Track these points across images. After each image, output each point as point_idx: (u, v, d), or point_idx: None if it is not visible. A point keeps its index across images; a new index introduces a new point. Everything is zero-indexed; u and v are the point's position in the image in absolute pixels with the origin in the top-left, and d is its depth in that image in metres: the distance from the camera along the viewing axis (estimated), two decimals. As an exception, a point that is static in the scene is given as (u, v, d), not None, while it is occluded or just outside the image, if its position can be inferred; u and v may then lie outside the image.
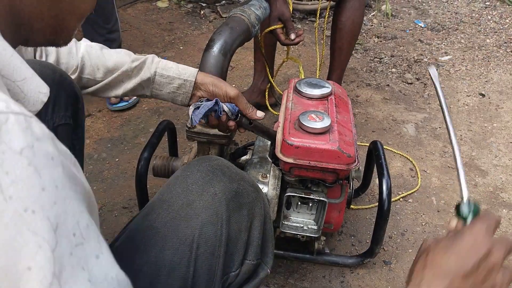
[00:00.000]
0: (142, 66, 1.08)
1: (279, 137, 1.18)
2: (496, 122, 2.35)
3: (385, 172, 1.36)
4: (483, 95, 2.57)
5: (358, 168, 1.35)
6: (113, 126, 2.10)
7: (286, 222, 1.31)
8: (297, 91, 1.32)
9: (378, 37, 3.21)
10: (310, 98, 1.30)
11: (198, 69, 1.11)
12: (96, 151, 1.96)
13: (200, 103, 1.03)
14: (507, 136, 2.25)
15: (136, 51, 2.83)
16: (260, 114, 1.09)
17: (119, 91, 1.10)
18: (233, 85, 2.55)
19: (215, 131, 1.31)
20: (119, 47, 2.33)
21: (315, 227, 1.31)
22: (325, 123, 1.13)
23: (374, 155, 1.47)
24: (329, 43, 2.16)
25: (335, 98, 1.31)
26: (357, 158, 1.16)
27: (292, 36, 1.66)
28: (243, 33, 1.40)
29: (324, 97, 1.30)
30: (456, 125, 2.31)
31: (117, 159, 1.92)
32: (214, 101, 1.02)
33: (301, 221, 1.32)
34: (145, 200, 1.41)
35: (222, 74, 1.27)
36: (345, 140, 1.15)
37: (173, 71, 1.08)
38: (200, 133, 1.32)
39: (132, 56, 1.09)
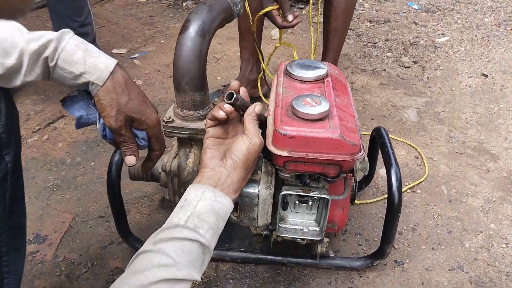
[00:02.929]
0: (41, 51, 0.81)
1: (269, 127, 1.01)
2: (502, 103, 2.19)
3: (393, 161, 1.19)
4: (486, 76, 2.41)
5: (364, 159, 1.18)
6: (88, 127, 1.91)
7: (283, 225, 1.14)
8: (288, 74, 1.15)
9: (370, 21, 3.04)
10: (303, 81, 1.12)
11: (115, 64, 0.87)
12: (69, 155, 1.78)
13: (74, 96, 0.89)
14: (516, 116, 2.09)
15: (115, 47, 2.65)
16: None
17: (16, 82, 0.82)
18: (219, 77, 2.37)
19: (196, 125, 1.13)
20: (93, 42, 2.14)
21: (317, 229, 1.14)
22: (323, 107, 0.96)
23: (379, 143, 1.30)
24: (320, 32, 1.98)
25: (332, 80, 1.14)
26: (363, 147, 0.99)
27: (290, 17, 1.48)
28: (223, 11, 1.22)
29: (319, 80, 1.13)
30: (460, 108, 2.15)
31: (92, 163, 1.73)
32: (96, 114, 0.90)
33: (301, 222, 1.15)
34: (120, 210, 1.23)
35: (201, 57, 1.10)
36: (347, 126, 0.98)
37: (78, 68, 0.83)
38: (179, 127, 1.14)
39: (25, 34, 0.79)
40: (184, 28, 1.11)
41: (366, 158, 1.21)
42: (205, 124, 1.00)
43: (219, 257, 1.33)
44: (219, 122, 0.96)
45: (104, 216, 1.50)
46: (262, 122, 1.03)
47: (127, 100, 0.89)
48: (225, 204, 0.86)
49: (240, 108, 0.94)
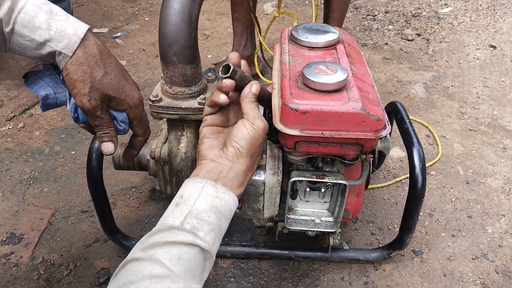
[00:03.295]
0: None
1: (276, 102, 0.85)
2: (514, 75, 2.05)
3: (415, 139, 1.05)
4: (495, 47, 2.26)
5: (386, 137, 1.03)
6: (68, 113, 1.73)
7: (292, 216, 0.99)
8: (294, 41, 0.98)
9: (368, -7, 2.87)
10: (312, 47, 0.96)
11: (87, 30, 0.71)
12: (47, 144, 1.60)
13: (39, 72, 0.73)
14: (529, 89, 1.95)
15: (95, 26, 2.45)
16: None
17: None
18: (209, 56, 2.19)
19: (188, 104, 0.97)
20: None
21: (331, 219, 0.99)
22: (340, 76, 0.80)
23: (396, 119, 1.15)
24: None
25: (344, 47, 0.97)
26: (387, 122, 0.84)
27: None
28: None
29: (330, 46, 0.97)
30: (470, 82, 2.01)
31: (73, 152, 1.56)
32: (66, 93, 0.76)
33: (312, 212, 1.00)
34: (103, 204, 1.07)
35: (191, 23, 0.93)
36: (368, 98, 0.82)
37: (41, 34, 0.68)
38: (168, 107, 0.98)
39: None
40: (170, -11, 0.93)
41: (389, 136, 1.06)
42: (203, 112, 0.83)
43: (218, 253, 1.17)
44: (219, 108, 0.80)
45: (88, 210, 1.34)
46: (265, 101, 0.87)
47: (103, 74, 0.72)
48: (229, 201, 0.71)
49: (241, 84, 0.78)
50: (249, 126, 0.74)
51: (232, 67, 0.74)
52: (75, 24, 0.70)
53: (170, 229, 0.64)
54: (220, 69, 0.75)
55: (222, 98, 0.76)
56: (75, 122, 0.78)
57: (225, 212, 0.70)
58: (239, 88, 0.78)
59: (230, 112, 0.81)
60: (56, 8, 0.71)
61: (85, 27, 0.71)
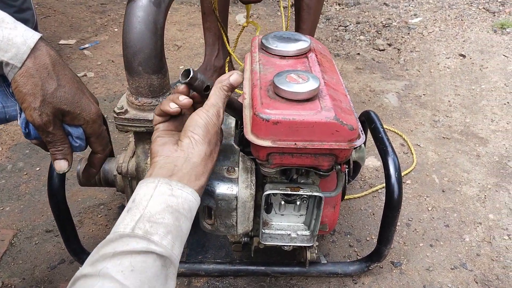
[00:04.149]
0: None
1: (247, 112, 0.81)
2: (483, 83, 2.08)
3: (390, 149, 1.03)
4: (464, 56, 2.30)
5: (361, 146, 1.01)
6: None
7: (267, 231, 0.95)
8: (264, 49, 0.95)
9: (339, 4, 2.89)
10: (283, 56, 0.93)
11: (38, 39, 0.66)
12: (10, 161, 1.52)
13: None
14: (499, 97, 1.98)
15: (62, 37, 2.38)
16: None
17: None
18: (181, 66, 2.15)
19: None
20: (35, 29, 1.88)
21: (307, 233, 0.95)
22: (312, 84, 0.77)
23: (370, 128, 1.13)
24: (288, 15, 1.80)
25: (316, 55, 0.95)
26: (361, 132, 0.81)
27: None
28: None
29: (302, 54, 0.94)
30: (442, 90, 2.02)
31: (37, 168, 1.49)
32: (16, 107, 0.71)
33: (287, 226, 0.96)
34: (66, 223, 1.01)
35: (157, 31, 0.89)
36: (341, 107, 0.80)
37: None
38: (134, 119, 0.93)
39: None
40: (134, -4, 0.89)
41: (363, 145, 1.03)
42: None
43: (191, 272, 1.13)
44: (170, 117, 0.76)
45: (53, 230, 1.27)
46: (237, 111, 0.83)
47: (56, 87, 0.67)
48: (187, 198, 0.65)
49: (202, 90, 0.74)
50: (203, 113, 0.71)
51: (192, 72, 0.70)
52: (25, 33, 0.65)
53: (121, 238, 0.58)
54: (180, 73, 0.72)
55: (173, 107, 0.72)
56: (26, 138, 0.72)
57: (184, 210, 0.64)
58: (202, 94, 0.74)
59: (185, 118, 0.75)
60: (2, 14, 0.65)
61: (36, 36, 0.66)
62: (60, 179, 0.97)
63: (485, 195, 1.45)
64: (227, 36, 1.49)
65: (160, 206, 0.62)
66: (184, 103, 0.72)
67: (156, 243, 0.59)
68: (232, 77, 0.74)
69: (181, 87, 0.72)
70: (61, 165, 0.72)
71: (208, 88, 0.74)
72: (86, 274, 0.55)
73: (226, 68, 1.73)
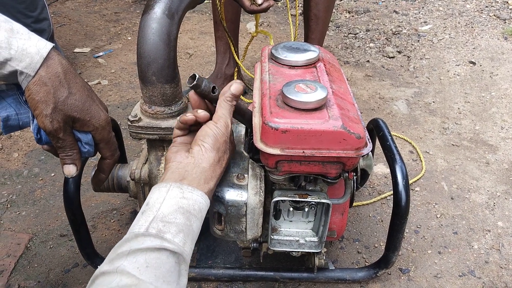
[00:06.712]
0: None
1: (256, 121, 0.84)
2: (493, 90, 2.08)
3: (397, 156, 1.04)
4: (474, 63, 2.30)
5: (368, 154, 1.03)
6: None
7: (276, 237, 0.97)
8: (273, 59, 0.98)
9: (349, 12, 2.91)
10: (292, 66, 0.96)
11: (50, 48, 0.69)
12: (26, 166, 1.56)
13: (2, 92, 0.72)
14: (509, 104, 1.98)
15: (77, 46, 2.44)
16: None
17: None
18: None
19: (168, 123, 0.96)
20: (51, 39, 1.93)
21: (315, 239, 0.97)
22: (319, 94, 0.80)
23: (378, 136, 1.14)
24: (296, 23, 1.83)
25: (324, 65, 0.97)
26: (369, 140, 0.83)
27: (259, 0, 1.30)
28: (194, -10, 1.04)
29: (310, 64, 0.97)
30: (451, 98, 2.03)
31: (53, 174, 1.53)
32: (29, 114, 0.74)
33: (296, 232, 0.98)
34: (81, 228, 1.04)
35: (170, 42, 0.92)
36: (349, 116, 0.82)
37: (1, 53, 0.65)
38: (147, 127, 0.96)
39: None
40: (148, 8, 0.93)
41: (370, 153, 1.05)
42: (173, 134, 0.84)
43: (201, 276, 1.15)
44: (189, 130, 0.81)
45: (67, 234, 1.30)
46: (246, 119, 0.86)
47: (67, 94, 0.70)
48: (197, 200, 0.70)
49: (208, 95, 0.78)
50: (212, 125, 0.77)
51: (197, 77, 0.74)
52: (38, 43, 0.68)
53: (136, 237, 0.62)
54: (188, 80, 0.76)
55: (189, 116, 0.77)
56: (38, 143, 0.76)
57: (194, 211, 0.68)
58: (211, 96, 0.78)
59: None
60: (17, 26, 0.69)
61: (49, 45, 0.69)
62: (76, 184, 1.00)
63: (494, 203, 1.45)
64: (236, 47, 1.52)
65: (172, 207, 0.67)
66: (202, 116, 0.78)
67: (168, 240, 0.63)
68: (232, 87, 0.78)
69: (191, 93, 0.77)
70: (69, 170, 0.75)
71: (215, 89, 0.78)
72: (104, 271, 0.59)
73: (235, 76, 1.76)
